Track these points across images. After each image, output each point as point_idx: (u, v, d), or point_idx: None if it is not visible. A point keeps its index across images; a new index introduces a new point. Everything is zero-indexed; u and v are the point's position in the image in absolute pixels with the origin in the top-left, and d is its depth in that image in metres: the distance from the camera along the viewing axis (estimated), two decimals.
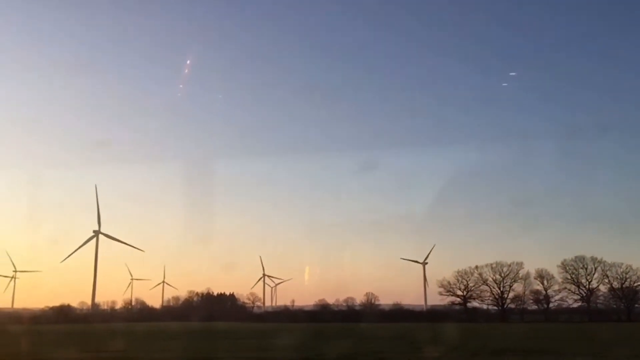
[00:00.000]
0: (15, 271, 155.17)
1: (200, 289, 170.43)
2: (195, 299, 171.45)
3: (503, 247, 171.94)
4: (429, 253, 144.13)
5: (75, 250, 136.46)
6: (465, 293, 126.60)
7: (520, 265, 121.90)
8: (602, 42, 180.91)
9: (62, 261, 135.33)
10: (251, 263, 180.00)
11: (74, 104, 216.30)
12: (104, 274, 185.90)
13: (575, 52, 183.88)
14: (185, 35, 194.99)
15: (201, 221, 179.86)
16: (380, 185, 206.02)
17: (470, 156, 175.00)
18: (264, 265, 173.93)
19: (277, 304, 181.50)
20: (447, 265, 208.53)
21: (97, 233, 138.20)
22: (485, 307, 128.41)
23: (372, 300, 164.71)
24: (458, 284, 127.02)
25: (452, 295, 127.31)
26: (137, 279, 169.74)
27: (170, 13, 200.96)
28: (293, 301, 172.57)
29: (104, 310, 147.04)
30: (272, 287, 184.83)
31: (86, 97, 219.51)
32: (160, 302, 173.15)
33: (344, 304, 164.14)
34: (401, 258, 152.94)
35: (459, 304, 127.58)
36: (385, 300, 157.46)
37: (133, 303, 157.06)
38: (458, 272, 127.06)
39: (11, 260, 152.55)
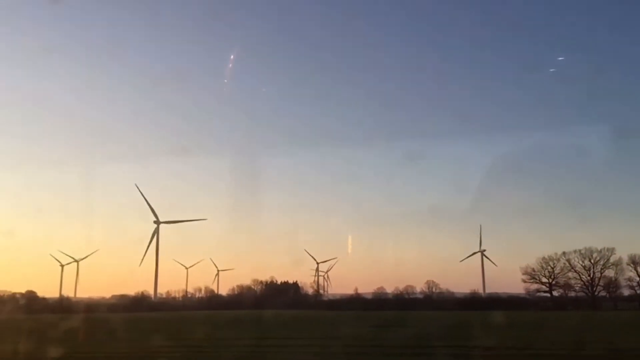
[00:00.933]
0: (77, 260, 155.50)
1: (255, 277, 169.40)
2: (259, 287, 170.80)
3: (587, 234, 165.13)
4: (480, 238, 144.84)
5: (148, 247, 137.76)
6: (551, 280, 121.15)
7: (611, 251, 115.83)
8: None
9: (140, 265, 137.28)
10: (301, 251, 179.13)
11: (121, 97, 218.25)
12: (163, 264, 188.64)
13: (630, 39, 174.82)
14: (230, 30, 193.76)
15: (253, 211, 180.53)
16: (435, 174, 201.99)
17: (539, 141, 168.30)
18: (317, 254, 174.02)
19: (332, 291, 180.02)
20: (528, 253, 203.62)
21: (157, 223, 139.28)
22: (572, 294, 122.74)
23: (433, 288, 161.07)
24: (542, 271, 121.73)
25: (536, 283, 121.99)
26: (191, 266, 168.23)
27: (215, 7, 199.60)
28: (356, 289, 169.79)
29: (175, 298, 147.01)
30: (324, 276, 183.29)
31: (130, 87, 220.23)
32: (223, 291, 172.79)
33: (404, 292, 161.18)
34: (460, 261, 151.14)
35: (544, 291, 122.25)
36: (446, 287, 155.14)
37: (202, 292, 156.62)
38: (543, 258, 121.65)
39: (68, 256, 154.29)
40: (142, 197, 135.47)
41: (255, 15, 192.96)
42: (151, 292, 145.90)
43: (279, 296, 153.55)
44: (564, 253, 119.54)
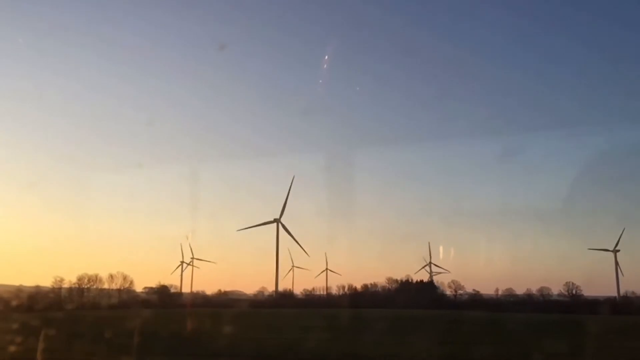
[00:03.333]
0: (193, 258, 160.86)
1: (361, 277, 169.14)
2: (393, 286, 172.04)
3: None
4: (619, 239, 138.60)
5: (252, 227, 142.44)
6: None
7: None
8: None
9: (238, 230, 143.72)
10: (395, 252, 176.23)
11: (220, 100, 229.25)
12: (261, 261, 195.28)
13: None
14: (323, 30, 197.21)
15: (345, 210, 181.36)
16: (537, 170, 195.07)
17: None
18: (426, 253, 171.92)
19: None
20: None
21: (276, 221, 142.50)
22: None
23: (574, 291, 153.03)
24: None
25: None
26: (297, 267, 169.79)
27: (308, 7, 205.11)
28: (497, 290, 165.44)
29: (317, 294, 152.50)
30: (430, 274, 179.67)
31: (230, 95, 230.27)
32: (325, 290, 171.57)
33: (538, 294, 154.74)
34: (589, 249, 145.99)
35: None
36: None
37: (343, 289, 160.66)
38: None
39: (185, 251, 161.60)
40: (252, 227, 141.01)
41: (348, 14, 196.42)
42: (269, 289, 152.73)
43: (414, 295, 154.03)
44: None
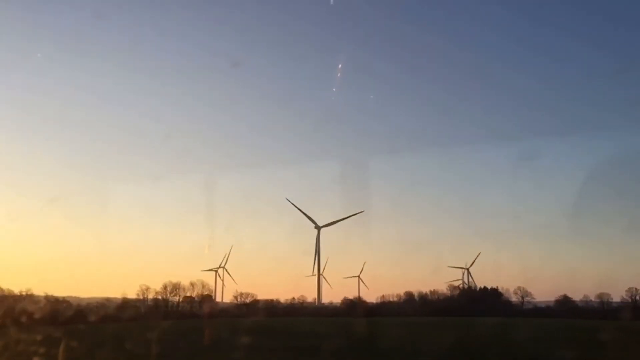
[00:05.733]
0: (222, 266, 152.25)
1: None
2: (454, 293, 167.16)
3: None
4: None
5: (316, 255, 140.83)
6: None
7: None
8: None
9: (312, 273, 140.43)
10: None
11: (235, 110, 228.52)
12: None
13: None
14: (337, 37, 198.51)
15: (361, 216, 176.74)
16: (553, 175, 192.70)
17: None
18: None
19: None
20: None
21: (318, 228, 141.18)
22: None
23: (637, 297, 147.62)
24: None
25: None
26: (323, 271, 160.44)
27: (321, 16, 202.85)
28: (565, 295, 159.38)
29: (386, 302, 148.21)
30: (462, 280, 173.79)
31: (246, 105, 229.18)
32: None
33: (597, 300, 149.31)
34: None
35: None
36: None
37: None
38: None
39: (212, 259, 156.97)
40: (295, 209, 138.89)
41: (361, 22, 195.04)
42: (309, 298, 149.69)
43: (478, 303, 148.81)
44: None
